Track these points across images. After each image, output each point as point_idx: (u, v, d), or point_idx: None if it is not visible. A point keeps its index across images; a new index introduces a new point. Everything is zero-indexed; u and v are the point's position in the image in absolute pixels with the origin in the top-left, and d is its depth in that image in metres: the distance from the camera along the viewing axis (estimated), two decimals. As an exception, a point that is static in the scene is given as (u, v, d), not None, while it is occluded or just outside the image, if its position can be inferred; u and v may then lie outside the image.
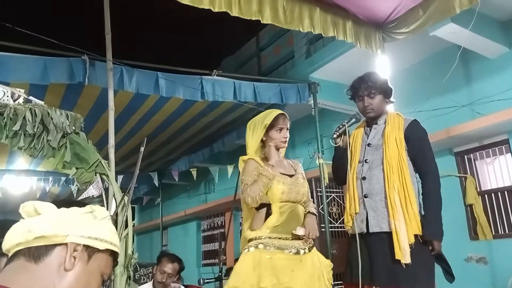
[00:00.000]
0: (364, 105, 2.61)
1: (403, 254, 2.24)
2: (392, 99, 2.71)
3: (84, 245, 0.89)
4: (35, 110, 2.94)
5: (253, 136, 2.58)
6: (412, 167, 2.47)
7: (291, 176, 2.54)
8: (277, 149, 2.58)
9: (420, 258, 2.27)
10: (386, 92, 2.63)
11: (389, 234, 2.34)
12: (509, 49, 5.28)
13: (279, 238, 2.37)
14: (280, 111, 2.63)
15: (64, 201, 0.96)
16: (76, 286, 0.87)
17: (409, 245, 2.27)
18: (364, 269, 2.38)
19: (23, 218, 0.91)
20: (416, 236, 2.31)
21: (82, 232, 0.90)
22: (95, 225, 0.93)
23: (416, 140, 2.46)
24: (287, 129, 2.62)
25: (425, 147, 2.48)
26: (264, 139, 2.57)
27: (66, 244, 0.87)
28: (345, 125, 2.64)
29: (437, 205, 2.40)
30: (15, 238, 0.88)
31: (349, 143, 2.65)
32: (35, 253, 0.86)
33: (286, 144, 2.66)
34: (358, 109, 2.70)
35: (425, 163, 2.45)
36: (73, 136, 3.09)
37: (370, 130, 2.63)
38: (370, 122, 2.65)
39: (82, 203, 0.97)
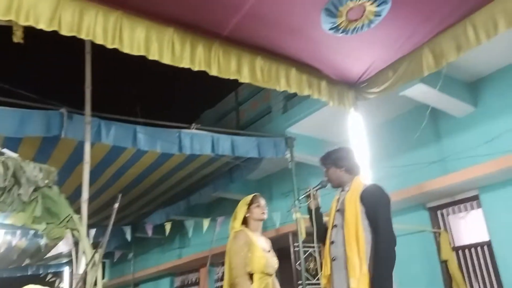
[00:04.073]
0: (325, 176, 2.94)
1: None
2: (352, 165, 2.88)
3: None
4: (7, 163, 2.87)
5: (238, 215, 3.09)
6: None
7: (268, 251, 2.99)
8: (259, 221, 3.08)
9: None
10: (336, 163, 2.87)
11: None
12: (475, 108, 5.56)
13: None
14: (255, 193, 3.20)
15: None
16: None
17: None
18: None
19: None
20: None
21: None
22: None
23: (369, 203, 2.61)
24: (265, 205, 3.14)
25: (376, 208, 2.59)
26: (247, 215, 3.06)
27: None
28: (310, 189, 2.97)
29: (385, 264, 2.46)
30: None
31: (320, 207, 2.98)
32: None
33: (266, 217, 3.12)
34: None
35: (376, 223, 2.55)
36: (45, 190, 3.01)
37: (340, 196, 2.88)
38: (341, 189, 2.88)
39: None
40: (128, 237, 8.89)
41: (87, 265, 2.72)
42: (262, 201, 3.17)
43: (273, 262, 2.96)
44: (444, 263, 5.53)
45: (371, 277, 2.44)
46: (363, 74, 4.56)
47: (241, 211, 3.11)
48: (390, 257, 2.47)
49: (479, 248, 5.41)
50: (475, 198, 5.45)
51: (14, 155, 3.16)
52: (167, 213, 8.21)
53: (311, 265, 6.50)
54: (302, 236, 5.44)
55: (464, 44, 3.65)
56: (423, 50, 3.98)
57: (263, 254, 2.86)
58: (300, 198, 3.02)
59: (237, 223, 3.06)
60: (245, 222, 3.09)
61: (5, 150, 3.17)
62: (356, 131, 4.85)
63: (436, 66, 3.93)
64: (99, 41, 2.96)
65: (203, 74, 3.51)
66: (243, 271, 2.77)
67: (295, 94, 6.91)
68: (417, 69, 4.09)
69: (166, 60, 3.15)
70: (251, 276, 2.79)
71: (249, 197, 3.17)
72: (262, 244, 2.99)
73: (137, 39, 3.09)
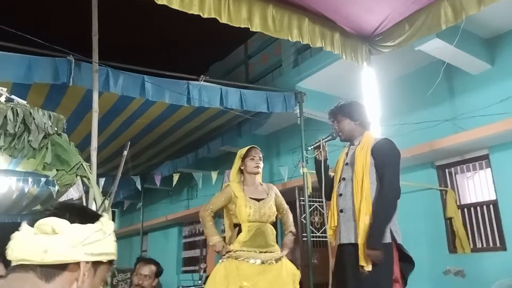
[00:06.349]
0: (334, 129, 2.89)
1: (368, 263, 2.43)
2: (365, 119, 2.86)
3: (92, 262, 0.94)
4: (17, 110, 2.88)
5: (233, 167, 3.23)
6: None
7: (259, 200, 3.08)
8: (253, 175, 3.17)
9: (380, 267, 2.44)
10: (351, 115, 2.82)
11: (355, 246, 2.53)
12: (491, 66, 5.39)
13: (248, 251, 2.92)
14: (252, 145, 3.27)
15: (77, 211, 0.99)
16: None
17: None
18: (340, 279, 2.65)
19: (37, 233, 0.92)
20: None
21: (93, 250, 0.94)
22: (104, 242, 0.97)
23: (379, 156, 2.62)
24: (259, 158, 3.20)
25: (385, 160, 2.61)
26: (242, 167, 3.19)
27: (78, 263, 0.91)
28: (320, 140, 2.92)
29: (383, 216, 2.50)
30: (28, 254, 0.88)
31: (328, 159, 2.94)
32: (48, 272, 0.89)
33: (260, 170, 3.20)
34: None
35: (382, 175, 2.58)
36: (55, 137, 3.03)
37: (349, 150, 2.85)
38: (350, 143, 2.85)
39: (95, 216, 1.00)
40: (139, 186, 9.04)
41: (97, 210, 2.77)
42: (257, 154, 3.19)
43: (264, 209, 3.04)
44: (448, 220, 5.59)
45: (369, 224, 2.49)
46: (378, 27, 4.41)
47: (236, 164, 3.22)
48: (389, 211, 2.51)
49: (484, 207, 5.44)
50: (485, 157, 5.41)
51: (23, 102, 3.16)
52: (175, 165, 8.30)
53: (316, 219, 6.61)
54: (308, 190, 5.49)
55: (487, -4, 3.47)
56: (442, 2, 3.82)
57: (247, 204, 3.00)
58: (309, 148, 2.96)
59: (231, 176, 3.23)
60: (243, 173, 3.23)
61: (14, 97, 3.16)
62: (369, 87, 4.76)
63: (455, 20, 3.77)
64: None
65: (211, 26, 3.40)
66: (210, 211, 3.09)
67: (306, 48, 6.77)
68: (434, 22, 3.94)
69: (175, 5, 3.04)
70: (240, 226, 3.01)
71: (244, 149, 3.21)
72: (252, 194, 3.08)
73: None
